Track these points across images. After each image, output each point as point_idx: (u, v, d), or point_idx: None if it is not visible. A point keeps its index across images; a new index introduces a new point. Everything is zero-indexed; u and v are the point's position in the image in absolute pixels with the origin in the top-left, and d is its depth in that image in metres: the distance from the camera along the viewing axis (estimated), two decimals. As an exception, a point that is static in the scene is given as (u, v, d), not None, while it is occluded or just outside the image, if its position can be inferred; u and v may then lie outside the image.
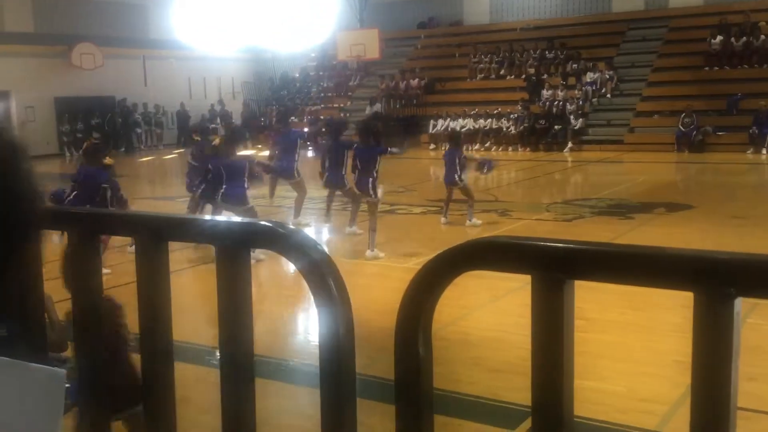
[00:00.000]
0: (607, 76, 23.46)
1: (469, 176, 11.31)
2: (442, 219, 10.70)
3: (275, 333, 6.29)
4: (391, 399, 1.46)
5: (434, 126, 24.45)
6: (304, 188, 11.06)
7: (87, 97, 26.21)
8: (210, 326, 5.45)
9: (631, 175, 17.26)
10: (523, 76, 25.25)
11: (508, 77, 25.90)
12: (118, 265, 7.23)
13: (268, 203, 11.93)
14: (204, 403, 4.26)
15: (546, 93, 23.80)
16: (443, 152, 12.04)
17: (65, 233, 1.93)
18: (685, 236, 9.43)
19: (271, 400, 4.71)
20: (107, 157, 9.43)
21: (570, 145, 22.19)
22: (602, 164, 19.37)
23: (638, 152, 20.68)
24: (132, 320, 1.82)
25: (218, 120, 27.34)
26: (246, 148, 19.93)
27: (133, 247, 1.80)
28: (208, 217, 1.78)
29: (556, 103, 23.26)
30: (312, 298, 1.49)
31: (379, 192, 9.90)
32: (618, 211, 11.67)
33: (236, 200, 8.57)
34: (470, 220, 10.46)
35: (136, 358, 3.10)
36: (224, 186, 8.55)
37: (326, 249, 8.20)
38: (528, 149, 22.72)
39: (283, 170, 10.84)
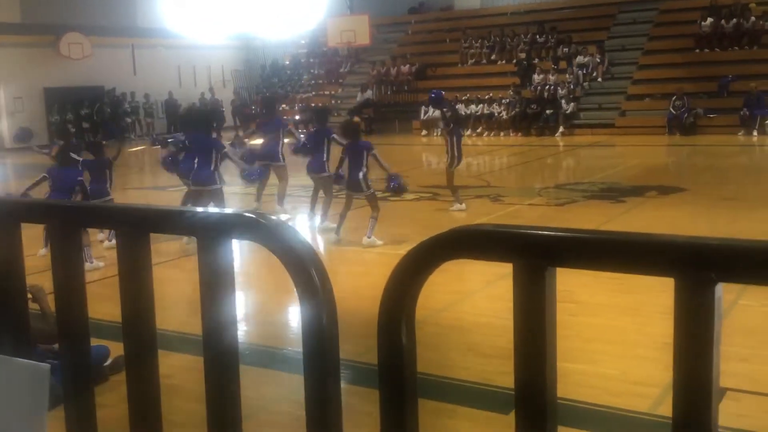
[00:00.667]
0: (598, 60, 23.43)
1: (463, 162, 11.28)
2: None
3: (272, 322, 6.29)
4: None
5: (425, 112, 24.40)
6: (286, 176, 11.16)
7: (76, 87, 26.06)
8: (196, 316, 5.43)
9: (622, 158, 17.28)
10: (514, 61, 25.19)
11: (499, 62, 25.85)
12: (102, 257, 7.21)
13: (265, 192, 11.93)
14: (191, 391, 4.26)
15: (537, 77, 23.76)
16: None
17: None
18: (677, 219, 9.45)
19: (268, 388, 4.72)
20: (106, 147, 9.55)
21: (561, 129, 22.19)
22: (594, 148, 19.37)
23: (630, 135, 20.69)
24: (116, 311, 1.81)
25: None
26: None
27: (112, 240, 1.79)
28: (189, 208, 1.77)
29: (547, 87, 23.23)
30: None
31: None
32: (610, 194, 11.68)
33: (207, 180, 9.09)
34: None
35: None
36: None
37: (316, 239, 8.15)
38: (519, 134, 22.71)
39: (267, 153, 11.09)
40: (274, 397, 4.61)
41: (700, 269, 1.09)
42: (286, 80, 30.58)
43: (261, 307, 6.77)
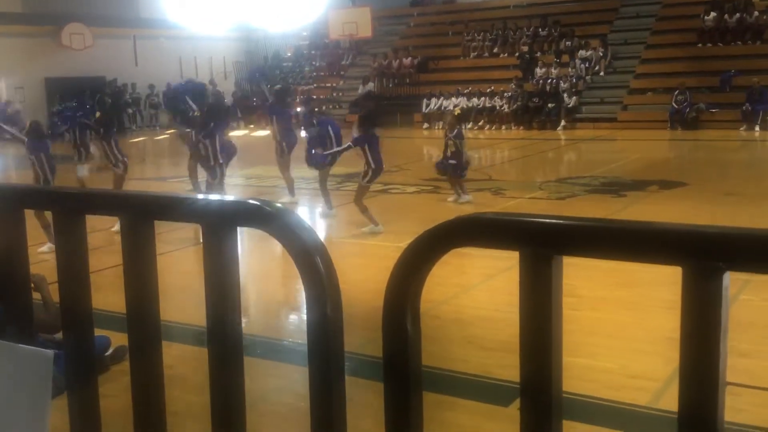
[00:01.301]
0: (601, 54, 23.37)
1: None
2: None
3: (276, 312, 6.29)
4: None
5: (427, 105, 24.36)
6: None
7: (77, 77, 25.97)
8: (200, 306, 5.44)
9: (624, 152, 17.24)
10: (517, 54, 25.13)
11: (502, 55, 25.77)
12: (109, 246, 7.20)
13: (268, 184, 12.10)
14: (191, 381, 4.27)
15: (539, 71, 23.70)
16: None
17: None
18: (679, 213, 9.43)
19: (270, 379, 4.72)
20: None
21: (563, 123, 22.14)
22: (595, 142, 19.34)
23: (631, 130, 20.65)
24: (119, 300, 1.81)
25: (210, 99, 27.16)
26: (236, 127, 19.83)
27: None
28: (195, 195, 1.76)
29: (549, 81, 23.18)
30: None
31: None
32: (611, 188, 11.67)
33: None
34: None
35: None
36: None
37: (321, 229, 8.13)
38: (521, 127, 22.66)
39: (290, 143, 11.56)
40: (275, 388, 4.62)
41: (707, 258, 1.08)
42: (288, 72, 30.50)
43: (265, 296, 6.77)
